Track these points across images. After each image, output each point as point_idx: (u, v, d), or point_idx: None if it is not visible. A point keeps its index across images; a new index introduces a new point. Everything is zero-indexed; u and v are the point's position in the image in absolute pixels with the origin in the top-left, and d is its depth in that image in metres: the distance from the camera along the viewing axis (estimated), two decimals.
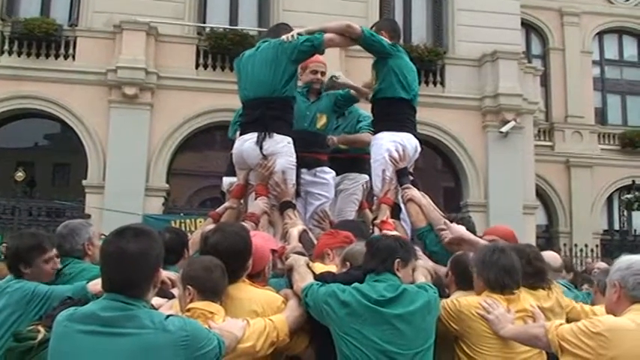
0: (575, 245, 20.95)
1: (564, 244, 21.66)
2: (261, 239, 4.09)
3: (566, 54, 25.30)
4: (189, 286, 3.38)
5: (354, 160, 6.47)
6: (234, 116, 6.67)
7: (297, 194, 5.89)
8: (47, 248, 4.15)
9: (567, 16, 25.48)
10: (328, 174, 6.08)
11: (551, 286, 4.43)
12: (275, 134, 5.36)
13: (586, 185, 24.00)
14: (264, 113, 5.36)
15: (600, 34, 26.38)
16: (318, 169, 6.01)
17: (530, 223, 18.92)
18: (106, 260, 2.88)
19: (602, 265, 5.19)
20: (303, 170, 5.92)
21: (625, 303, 3.52)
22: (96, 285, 3.82)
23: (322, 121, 6.10)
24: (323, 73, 6.25)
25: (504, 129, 18.49)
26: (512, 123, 18.51)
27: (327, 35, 5.46)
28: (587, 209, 23.88)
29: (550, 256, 5.14)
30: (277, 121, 5.39)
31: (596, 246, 21.50)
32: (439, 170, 19.90)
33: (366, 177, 6.53)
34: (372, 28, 5.72)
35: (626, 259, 3.62)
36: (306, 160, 5.92)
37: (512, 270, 3.95)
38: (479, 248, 4.22)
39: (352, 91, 6.29)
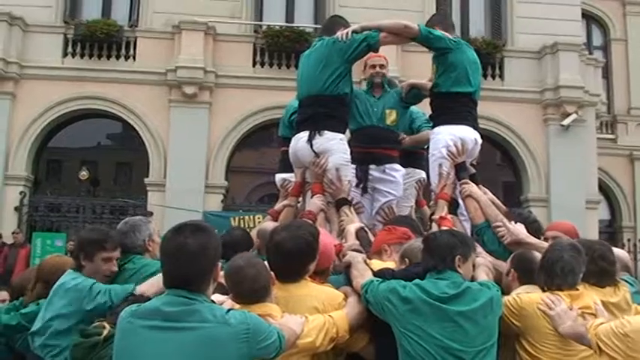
0: None
1: (628, 240, 21.11)
2: (329, 237, 4.12)
3: (628, 45, 24.60)
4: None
5: (409, 154, 6.40)
6: (283, 114, 6.71)
7: (365, 190, 5.89)
8: (108, 247, 4.19)
9: (630, 5, 24.78)
10: (398, 171, 6.06)
11: (618, 284, 4.33)
12: (326, 132, 5.37)
13: None
14: (316, 111, 5.38)
15: None
16: (388, 165, 6.00)
17: (593, 218, 18.53)
18: (166, 256, 2.94)
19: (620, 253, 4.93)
20: (372, 166, 5.95)
21: None
22: (145, 286, 3.89)
23: (392, 116, 6.07)
24: (382, 66, 6.22)
25: (566, 122, 18.14)
26: (574, 116, 18.13)
27: (383, 34, 5.42)
28: None
29: (620, 253, 5.02)
30: (329, 118, 5.39)
31: None
32: (498, 165, 19.65)
33: (422, 173, 6.49)
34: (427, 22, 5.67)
35: None
36: (376, 155, 5.95)
37: (571, 270, 3.89)
38: (548, 247, 4.14)
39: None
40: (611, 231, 23.18)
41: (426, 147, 6.59)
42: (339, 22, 5.75)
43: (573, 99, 18.23)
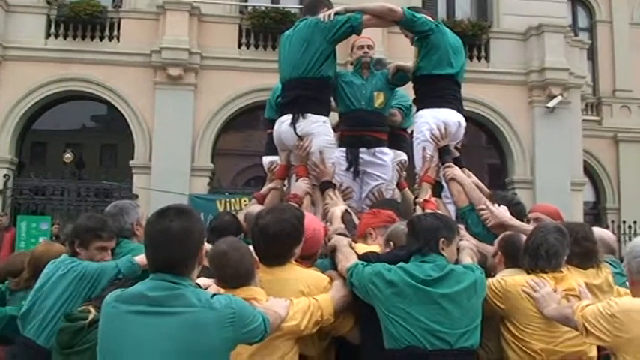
0: (624, 222, 20.66)
1: (612, 221, 21.29)
2: (319, 223, 4.12)
3: (613, 26, 24.63)
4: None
5: (390, 136, 6.29)
6: (269, 96, 6.68)
7: (357, 174, 5.89)
8: (104, 237, 4.21)
9: None
10: (387, 155, 6.04)
11: (601, 265, 4.37)
12: (309, 114, 5.36)
13: (634, 161, 23.43)
14: (299, 94, 5.37)
15: None
16: (378, 149, 5.98)
17: (578, 199, 18.65)
18: (151, 240, 2.93)
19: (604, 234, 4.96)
20: (362, 150, 5.92)
21: (631, 283, 3.52)
22: (143, 258, 3.90)
23: (380, 99, 6.03)
24: (370, 47, 6.18)
25: (551, 104, 18.20)
26: (559, 98, 18.20)
27: (366, 16, 5.41)
28: (636, 185, 23.32)
29: (605, 234, 5.06)
30: (312, 101, 5.38)
31: None
32: (484, 147, 19.70)
33: (403, 154, 6.49)
34: None
35: (631, 244, 3.62)
36: (366, 139, 5.93)
37: (549, 251, 3.93)
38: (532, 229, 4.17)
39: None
40: (596, 213, 23.35)
41: (405, 128, 6.64)
42: (322, 2, 5.71)
43: (558, 81, 18.30)
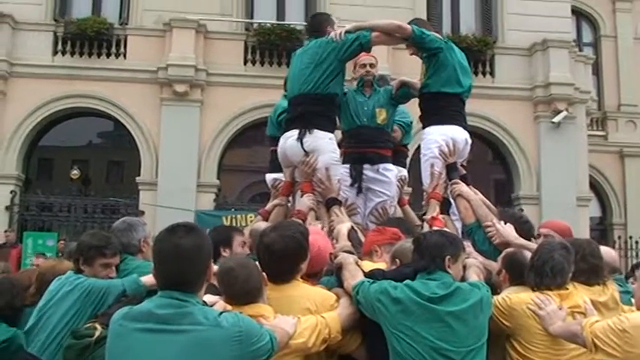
0: (630, 237, 20.56)
1: (619, 237, 21.19)
2: (323, 239, 4.12)
3: (618, 41, 24.69)
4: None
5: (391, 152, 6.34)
6: (271, 113, 6.71)
7: (360, 190, 5.91)
8: (108, 254, 4.20)
9: (619, 2, 24.86)
10: (391, 171, 6.08)
11: (607, 282, 4.37)
12: (316, 130, 5.39)
13: None
14: (306, 109, 5.39)
15: None
16: (382, 165, 6.01)
17: (584, 215, 18.60)
18: (161, 257, 2.93)
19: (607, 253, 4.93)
20: (366, 166, 5.96)
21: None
22: (150, 278, 3.91)
23: (382, 115, 6.06)
24: (372, 65, 6.22)
25: (556, 119, 18.20)
26: (564, 113, 18.21)
27: (375, 34, 5.44)
28: None
29: (608, 254, 5.05)
30: (319, 117, 5.41)
31: None
32: (489, 162, 19.70)
33: (403, 170, 6.51)
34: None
35: None
36: (369, 155, 5.97)
37: (554, 269, 3.92)
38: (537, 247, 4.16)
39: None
40: (602, 228, 23.27)
41: (405, 144, 6.67)
42: (326, 20, 5.78)
43: (564, 96, 18.30)
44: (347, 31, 5.43)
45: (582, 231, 17.22)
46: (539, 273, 3.94)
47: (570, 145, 18.43)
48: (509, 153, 18.69)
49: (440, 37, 5.58)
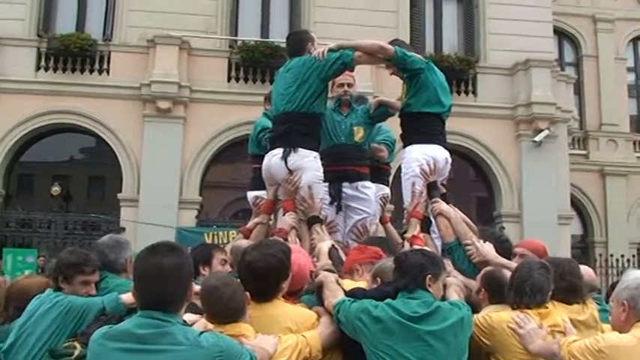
0: (611, 255, 20.73)
1: (600, 255, 21.36)
2: (304, 258, 4.12)
3: (599, 61, 24.99)
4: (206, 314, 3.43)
5: (373, 170, 6.39)
6: (252, 132, 6.73)
7: (339, 208, 5.94)
8: (87, 271, 4.18)
9: (601, 22, 25.19)
10: (369, 189, 6.12)
11: (586, 301, 4.39)
12: (300, 149, 5.40)
13: (621, 194, 23.63)
14: (291, 128, 5.41)
15: (635, 40, 26.00)
16: (360, 183, 6.06)
17: (565, 233, 18.73)
18: (142, 276, 2.90)
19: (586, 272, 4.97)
20: (345, 184, 6.00)
21: (632, 321, 3.53)
22: (130, 297, 3.89)
23: (360, 133, 6.12)
24: (350, 85, 6.26)
25: (538, 138, 18.34)
26: (546, 132, 18.36)
27: (358, 53, 5.47)
28: (623, 219, 23.51)
29: (586, 273, 5.08)
30: (303, 136, 5.42)
31: (633, 256, 21.28)
32: (472, 180, 19.78)
33: (386, 188, 6.54)
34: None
35: (634, 278, 3.62)
36: (348, 173, 6.02)
37: (539, 290, 3.94)
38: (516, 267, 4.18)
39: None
40: (583, 246, 23.44)
41: (388, 162, 6.72)
42: (306, 37, 5.81)
43: (545, 115, 18.45)
44: (330, 50, 5.45)
45: (563, 249, 17.32)
46: (519, 292, 3.96)
47: (552, 163, 18.56)
48: (491, 171, 18.79)
49: (421, 58, 5.63)
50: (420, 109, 5.56)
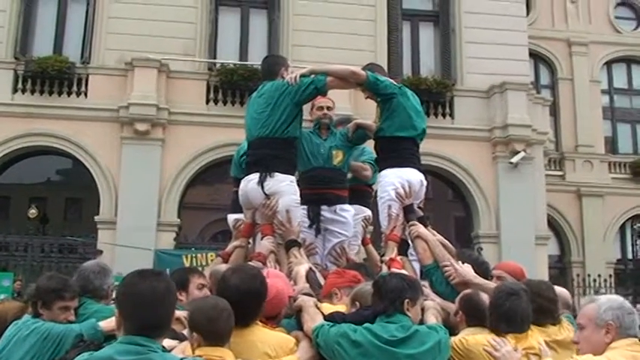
0: (589, 275, 20.88)
1: (577, 275, 21.53)
2: (283, 282, 4.13)
3: (575, 83, 25.37)
4: (194, 333, 3.38)
5: (355, 192, 6.42)
6: (234, 155, 6.75)
7: (318, 231, 5.97)
8: (66, 297, 4.15)
9: (575, 46, 25.61)
10: (348, 212, 6.13)
11: (562, 323, 4.44)
12: (277, 173, 5.42)
13: (598, 214, 23.93)
14: (266, 153, 5.44)
15: (608, 64, 26.47)
16: (339, 206, 6.07)
17: (543, 253, 18.84)
18: (137, 300, 2.84)
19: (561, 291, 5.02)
20: (324, 207, 6.02)
21: (611, 340, 3.52)
22: (108, 323, 3.88)
23: (339, 157, 6.16)
24: (329, 108, 6.32)
25: (514, 160, 18.49)
26: (522, 154, 18.51)
27: (330, 78, 5.53)
28: (599, 239, 23.78)
29: (560, 292, 5.14)
30: (279, 160, 5.45)
31: (610, 275, 21.44)
32: (450, 201, 19.88)
33: (368, 210, 6.57)
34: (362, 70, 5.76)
35: (612, 298, 3.65)
36: (327, 196, 6.04)
37: (515, 316, 3.97)
38: (493, 291, 4.20)
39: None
40: (561, 266, 23.63)
41: (371, 184, 6.75)
42: (280, 62, 5.89)
43: (521, 137, 18.59)
44: (302, 75, 5.51)
45: (541, 269, 17.44)
46: (501, 319, 3.97)
47: (528, 184, 18.71)
48: (469, 192, 18.88)
49: (394, 82, 5.70)
50: (393, 134, 5.61)
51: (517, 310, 3.98)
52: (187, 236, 17.77)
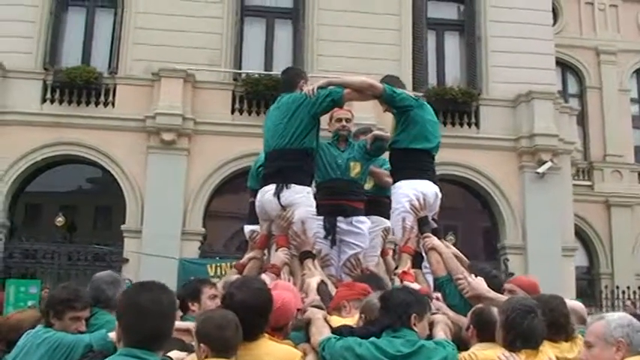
0: (617, 287, 20.62)
1: (606, 286, 21.26)
2: (292, 294, 4.13)
3: (603, 92, 25.07)
4: (202, 344, 3.37)
5: (374, 203, 6.44)
6: (252, 166, 6.79)
7: (334, 242, 5.97)
8: (77, 307, 4.19)
9: (604, 54, 25.31)
10: (364, 223, 6.15)
11: (575, 338, 4.38)
12: (293, 185, 5.46)
13: (627, 225, 23.57)
14: (283, 164, 5.47)
15: (638, 72, 26.11)
16: (355, 218, 6.09)
17: (569, 265, 18.62)
18: (142, 311, 2.85)
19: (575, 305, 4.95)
20: (340, 218, 6.05)
21: (622, 358, 3.49)
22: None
23: (357, 169, 6.19)
24: (348, 120, 6.36)
25: (541, 170, 18.32)
26: (549, 164, 18.33)
27: (347, 90, 5.55)
28: (628, 250, 23.42)
29: (574, 306, 5.08)
30: (296, 171, 5.49)
31: (639, 287, 21.07)
32: (476, 211, 19.72)
33: (387, 222, 6.56)
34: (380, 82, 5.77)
35: (621, 316, 3.61)
36: (343, 207, 6.06)
37: (533, 335, 3.92)
38: (503, 305, 4.16)
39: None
40: (589, 278, 23.32)
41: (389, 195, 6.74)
42: (298, 74, 5.94)
43: (548, 147, 18.43)
44: (319, 87, 5.53)
45: (568, 281, 17.28)
46: (507, 334, 3.93)
47: (555, 195, 18.52)
48: (495, 203, 18.73)
49: (411, 94, 5.70)
50: (408, 145, 5.62)
51: (535, 329, 3.92)
52: (212, 245, 17.86)
